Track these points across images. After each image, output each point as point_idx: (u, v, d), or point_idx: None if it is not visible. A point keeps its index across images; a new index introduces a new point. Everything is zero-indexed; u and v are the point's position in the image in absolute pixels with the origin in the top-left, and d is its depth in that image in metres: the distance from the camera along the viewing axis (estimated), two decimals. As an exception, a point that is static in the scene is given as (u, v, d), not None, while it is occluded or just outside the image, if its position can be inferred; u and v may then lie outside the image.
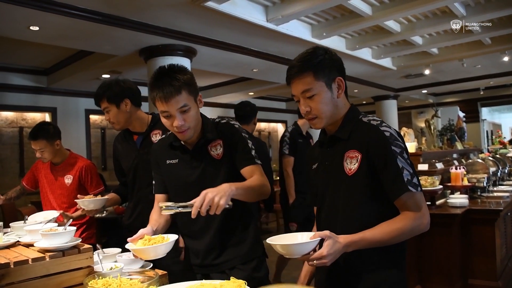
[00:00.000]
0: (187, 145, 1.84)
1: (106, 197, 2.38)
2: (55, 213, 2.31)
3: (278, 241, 1.35)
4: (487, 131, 14.59)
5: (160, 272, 1.55)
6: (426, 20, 6.21)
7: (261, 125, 13.52)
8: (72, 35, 5.08)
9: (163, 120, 1.74)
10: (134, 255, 1.59)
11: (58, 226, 1.74)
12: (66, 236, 1.49)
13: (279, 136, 14.10)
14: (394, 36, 6.54)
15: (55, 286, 1.40)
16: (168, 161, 1.87)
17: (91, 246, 1.52)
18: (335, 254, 1.27)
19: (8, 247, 1.58)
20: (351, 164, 1.44)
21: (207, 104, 10.59)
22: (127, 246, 1.61)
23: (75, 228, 1.55)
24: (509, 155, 7.71)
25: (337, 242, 1.27)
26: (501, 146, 8.62)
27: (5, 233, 1.82)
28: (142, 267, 1.76)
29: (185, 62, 5.91)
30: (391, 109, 11.52)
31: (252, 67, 7.49)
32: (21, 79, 7.52)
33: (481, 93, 12.01)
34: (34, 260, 1.37)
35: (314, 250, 1.28)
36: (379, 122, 1.47)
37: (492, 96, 12.90)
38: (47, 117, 7.99)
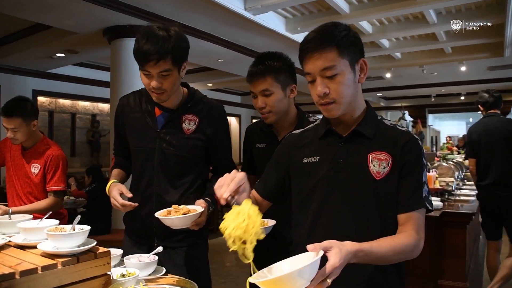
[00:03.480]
0: (277, 134, 1.94)
1: (200, 209, 1.60)
2: None
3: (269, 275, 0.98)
4: (432, 137, 15.30)
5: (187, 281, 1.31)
6: (398, 23, 6.29)
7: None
8: (31, 6, 4.56)
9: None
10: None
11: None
12: (79, 237, 1.21)
13: (233, 130, 13.99)
14: (365, 37, 6.55)
15: (68, 300, 1.13)
16: (257, 145, 2.00)
17: (108, 249, 1.25)
18: (345, 262, 1.01)
19: (-3, 249, 1.27)
20: (380, 167, 1.25)
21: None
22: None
23: (88, 227, 1.26)
24: (458, 159, 8.07)
25: (343, 249, 1.00)
26: (449, 151, 9.01)
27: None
28: (155, 271, 1.53)
29: (152, 46, 5.55)
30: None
31: (218, 57, 7.24)
32: (-41, 51, 6.75)
33: (432, 99, 12.52)
34: (44, 268, 1.09)
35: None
36: (407, 129, 1.34)
37: (440, 103, 13.50)
38: (-12, 95, 7.25)
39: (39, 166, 2.57)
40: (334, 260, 0.96)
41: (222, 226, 1.05)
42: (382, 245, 1.13)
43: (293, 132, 1.52)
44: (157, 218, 1.66)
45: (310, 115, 1.96)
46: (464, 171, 6.75)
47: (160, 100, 1.76)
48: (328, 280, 0.96)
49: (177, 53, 1.65)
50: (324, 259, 0.97)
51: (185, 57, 1.74)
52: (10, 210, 1.61)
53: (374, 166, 1.26)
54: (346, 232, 1.24)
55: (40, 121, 2.63)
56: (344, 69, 1.23)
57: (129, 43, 5.36)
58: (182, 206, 1.61)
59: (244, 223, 1.04)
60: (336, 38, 1.22)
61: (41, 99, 7.83)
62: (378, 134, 1.31)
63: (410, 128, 10.14)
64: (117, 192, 1.69)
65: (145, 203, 1.82)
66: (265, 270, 1.02)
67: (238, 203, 1.10)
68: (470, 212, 4.07)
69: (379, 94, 12.35)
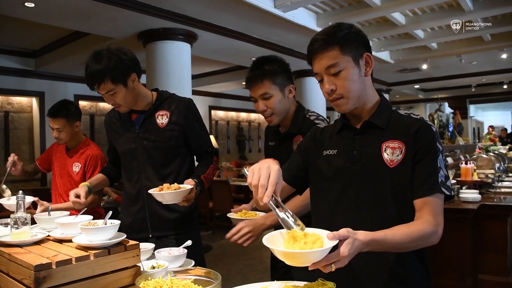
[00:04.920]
0: (281, 131, 2.05)
1: (188, 187, 1.82)
2: (29, 199, 2.14)
3: (279, 245, 1.05)
4: (474, 128, 14.77)
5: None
6: (431, 13, 6.12)
7: (251, 116, 13.34)
8: (69, 15, 4.79)
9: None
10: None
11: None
12: (110, 230, 1.30)
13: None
14: (398, 29, 6.43)
15: (100, 289, 1.22)
16: (269, 143, 2.14)
17: (137, 242, 1.34)
18: (354, 253, 1.03)
19: (38, 242, 1.38)
20: (393, 156, 1.29)
21: (198, 93, 10.35)
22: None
23: (119, 221, 1.35)
24: (501, 151, 7.76)
25: (356, 239, 1.02)
26: (492, 143, 8.67)
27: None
28: (184, 264, 1.61)
29: (185, 47, 5.69)
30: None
31: (251, 55, 7.28)
32: (7, 60, 7.12)
33: (473, 90, 12.10)
34: (77, 259, 1.18)
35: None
36: (421, 116, 1.36)
37: (481, 93, 13.01)
38: (34, 101, 7.63)
39: (80, 165, 2.75)
40: (343, 250, 0.98)
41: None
42: (397, 233, 1.14)
43: (317, 126, 1.59)
44: (150, 211, 2.02)
45: (311, 112, 2.02)
46: (507, 162, 6.50)
47: (122, 111, 2.06)
48: (332, 265, 0.99)
49: (112, 74, 1.89)
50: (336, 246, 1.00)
51: (126, 72, 1.94)
52: (50, 207, 1.75)
53: (387, 154, 1.30)
54: (365, 221, 1.30)
55: (82, 124, 2.83)
56: (348, 65, 1.30)
57: (163, 46, 5.53)
58: (173, 184, 1.82)
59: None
60: (337, 38, 1.29)
61: (82, 103, 8.17)
62: (391, 124, 1.34)
63: (451, 120, 9.82)
64: (73, 193, 1.94)
65: (136, 199, 2.07)
66: (282, 231, 1.09)
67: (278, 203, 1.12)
68: (511, 204, 3.94)
69: (417, 86, 12.04)
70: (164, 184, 1.81)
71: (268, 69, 1.90)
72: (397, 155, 1.29)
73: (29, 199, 2.12)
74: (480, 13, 5.81)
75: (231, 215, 1.99)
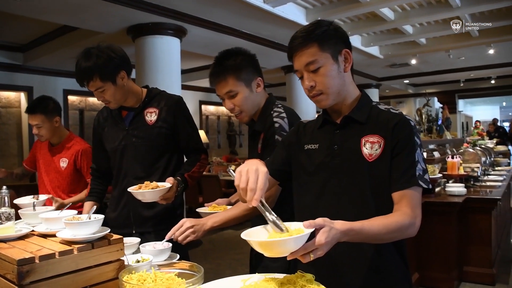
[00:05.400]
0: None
1: (167, 186, 1.84)
2: (43, 197, 2.13)
3: (256, 236, 1.08)
4: (462, 123, 14.92)
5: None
6: (420, 9, 6.16)
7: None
8: (57, 9, 4.75)
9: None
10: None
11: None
12: (94, 225, 1.32)
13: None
14: (387, 24, 6.47)
15: (84, 283, 1.23)
16: (249, 138, 2.01)
17: (121, 236, 1.35)
18: (332, 242, 1.02)
19: (22, 237, 1.39)
20: (372, 150, 1.31)
21: (188, 88, 10.32)
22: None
23: (102, 216, 1.37)
24: (488, 145, 7.86)
25: (333, 228, 1.02)
26: (480, 137, 8.77)
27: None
28: (169, 258, 1.62)
29: (175, 42, 5.68)
30: (372, 98, 11.52)
31: (241, 51, 7.29)
32: (-6, 55, 7.07)
33: (461, 85, 12.21)
34: (61, 253, 1.19)
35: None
36: (400, 111, 1.38)
37: (469, 88, 13.13)
38: (22, 96, 7.55)
39: (67, 160, 2.75)
40: (319, 238, 0.99)
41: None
42: (374, 224, 1.16)
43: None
44: (133, 208, 2.03)
45: (278, 107, 1.84)
46: (493, 156, 6.60)
47: (112, 108, 2.08)
48: (311, 255, 1.00)
49: (101, 72, 1.90)
50: (313, 235, 1.01)
51: (115, 70, 1.95)
52: (35, 202, 1.77)
53: (366, 149, 1.33)
54: (345, 213, 1.29)
55: (71, 119, 2.86)
56: (326, 61, 1.32)
57: (152, 41, 5.50)
58: (153, 183, 1.83)
59: None
60: (316, 35, 1.32)
61: (71, 98, 8.10)
62: (370, 119, 1.37)
63: (440, 115, 9.91)
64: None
65: (122, 195, 2.07)
66: (254, 230, 1.12)
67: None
68: (495, 197, 4.02)
69: (406, 81, 12.11)
70: (145, 182, 1.82)
71: (231, 64, 1.74)
72: (376, 149, 1.31)
73: (43, 197, 2.11)
74: (467, 9, 5.87)
75: (200, 209, 1.95)
